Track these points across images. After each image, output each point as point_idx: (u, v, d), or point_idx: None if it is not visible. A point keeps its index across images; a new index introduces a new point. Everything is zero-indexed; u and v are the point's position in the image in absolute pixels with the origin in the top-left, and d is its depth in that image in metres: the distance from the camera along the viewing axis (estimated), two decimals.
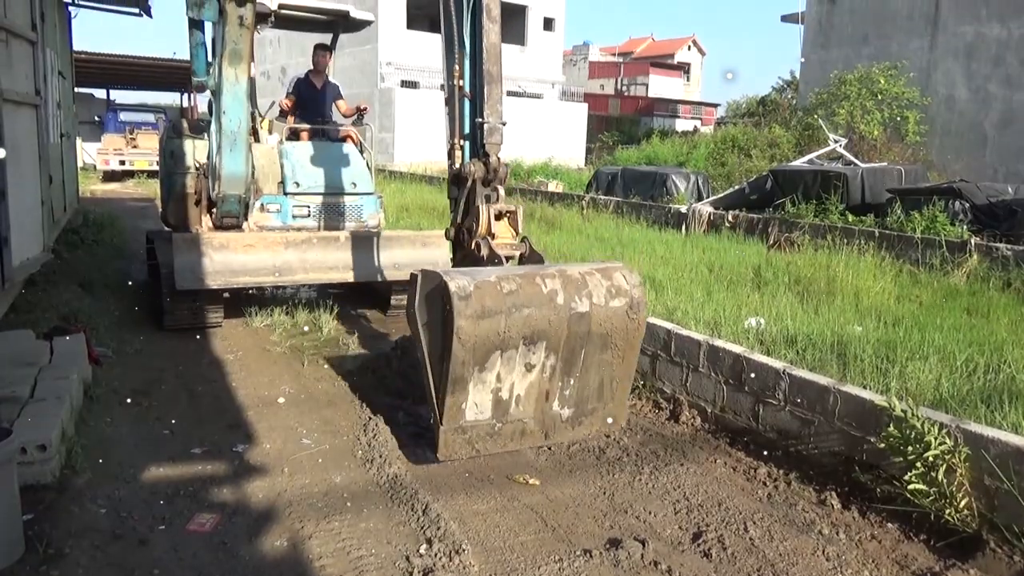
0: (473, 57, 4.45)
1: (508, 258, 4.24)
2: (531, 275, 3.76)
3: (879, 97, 17.12)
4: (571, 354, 3.86)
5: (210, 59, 5.90)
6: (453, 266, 4.72)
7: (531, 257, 4.35)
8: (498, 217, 4.31)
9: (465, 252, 4.55)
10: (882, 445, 3.57)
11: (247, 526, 3.33)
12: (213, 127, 6.01)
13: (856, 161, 13.18)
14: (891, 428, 3.50)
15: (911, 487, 3.35)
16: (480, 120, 4.38)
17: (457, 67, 4.59)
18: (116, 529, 3.25)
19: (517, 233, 4.34)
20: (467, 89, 4.64)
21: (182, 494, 3.60)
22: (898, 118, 17.00)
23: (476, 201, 4.39)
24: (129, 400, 4.79)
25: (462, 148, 4.67)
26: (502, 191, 4.43)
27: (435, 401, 3.70)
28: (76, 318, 6.09)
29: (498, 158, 4.35)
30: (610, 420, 4.19)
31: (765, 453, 4.23)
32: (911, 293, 6.96)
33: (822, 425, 4.02)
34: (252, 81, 6.00)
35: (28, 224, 6.33)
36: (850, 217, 10.73)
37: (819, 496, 3.75)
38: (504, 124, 4.45)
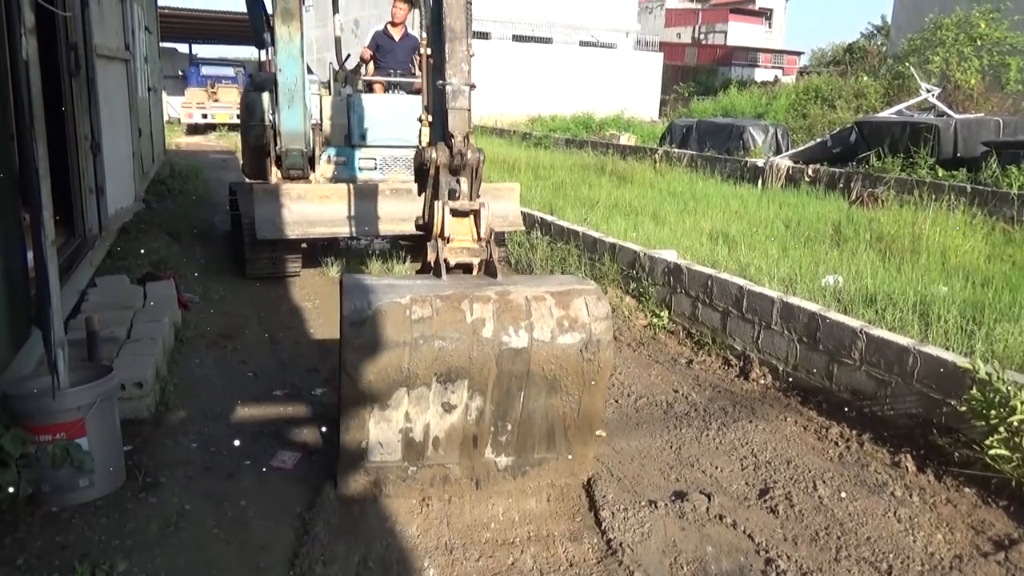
0: (437, 15, 3.73)
1: (463, 265, 3.50)
2: (457, 298, 3.07)
3: (978, 43, 16.01)
4: (505, 396, 3.15)
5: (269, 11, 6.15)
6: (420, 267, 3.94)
7: (487, 268, 3.51)
8: (457, 215, 3.51)
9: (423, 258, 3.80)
10: (963, 408, 3.46)
11: (326, 464, 3.51)
12: (274, 85, 6.28)
13: (949, 112, 12.45)
14: (974, 391, 3.38)
15: (992, 452, 3.25)
16: (441, 82, 3.58)
17: (425, 35, 3.89)
18: (206, 463, 3.47)
19: (480, 237, 3.50)
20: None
21: (266, 433, 3.81)
22: (999, 65, 15.88)
23: (437, 194, 3.59)
24: (216, 343, 5.06)
25: (430, 124, 3.92)
26: (464, 186, 3.58)
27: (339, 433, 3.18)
28: (166, 265, 6.42)
29: (465, 137, 3.53)
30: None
31: (838, 413, 4.16)
32: (1004, 252, 6.61)
33: (899, 386, 3.91)
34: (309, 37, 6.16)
35: (121, 175, 6.66)
36: (940, 172, 10.17)
37: (893, 458, 3.68)
38: (472, 86, 3.62)
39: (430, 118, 3.89)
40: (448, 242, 3.43)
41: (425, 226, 3.73)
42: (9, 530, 2.82)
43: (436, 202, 3.50)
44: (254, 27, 6.62)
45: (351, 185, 6.72)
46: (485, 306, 3.07)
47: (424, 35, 3.90)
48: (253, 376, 4.59)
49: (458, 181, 3.57)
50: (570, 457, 3.37)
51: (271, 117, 6.75)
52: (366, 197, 6.57)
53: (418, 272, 3.90)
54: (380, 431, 3.10)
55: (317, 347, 5.15)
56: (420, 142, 3.94)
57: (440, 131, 3.68)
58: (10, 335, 3.63)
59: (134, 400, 3.73)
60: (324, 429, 3.84)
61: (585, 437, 3.36)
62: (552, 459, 3.36)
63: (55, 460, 2.91)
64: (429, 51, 3.84)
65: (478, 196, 3.65)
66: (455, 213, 3.49)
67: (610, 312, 3.26)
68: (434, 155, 3.55)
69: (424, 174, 3.70)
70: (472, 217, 3.54)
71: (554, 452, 3.34)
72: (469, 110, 3.57)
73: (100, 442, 3.08)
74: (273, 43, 6.06)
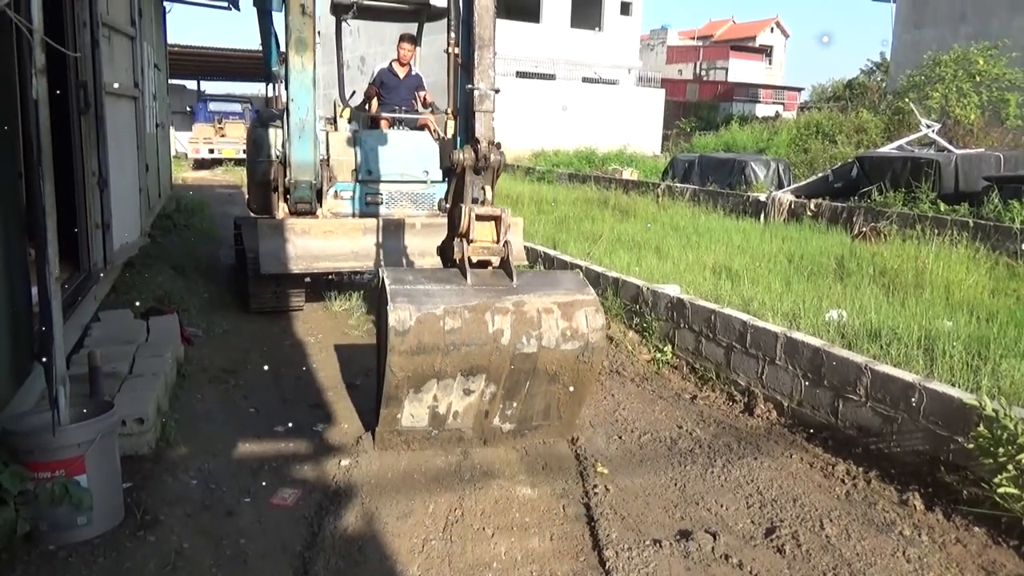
0: (468, 23, 4.11)
1: (483, 263, 3.96)
2: (481, 309, 3.72)
3: (977, 79, 16.17)
4: (514, 384, 3.89)
5: (281, 48, 6.20)
6: (440, 246, 4.43)
7: (503, 265, 3.98)
8: (481, 219, 3.95)
9: (446, 243, 4.27)
10: (970, 446, 3.42)
11: (326, 502, 3.47)
12: (285, 116, 6.28)
13: (950, 147, 12.53)
14: (981, 428, 3.35)
15: (1001, 490, 3.20)
16: (470, 87, 4.03)
17: (453, 35, 4.41)
18: (206, 500, 3.44)
19: (499, 239, 3.99)
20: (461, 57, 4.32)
21: (266, 469, 3.78)
22: (998, 101, 16.02)
23: (462, 195, 4.04)
24: (218, 378, 5.04)
25: (455, 119, 4.50)
26: (489, 193, 4.05)
27: (377, 400, 3.89)
28: (169, 299, 6.43)
29: (489, 141, 3.98)
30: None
31: (844, 450, 4.12)
32: (1007, 287, 6.60)
33: (906, 423, 3.88)
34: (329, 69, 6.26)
35: (127, 210, 6.71)
36: (942, 206, 10.20)
37: (900, 496, 3.63)
38: (497, 91, 4.07)
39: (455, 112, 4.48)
40: (471, 243, 3.91)
41: (448, 221, 4.27)
42: (6, 569, 2.79)
43: (462, 206, 3.93)
44: (266, 59, 6.66)
45: (356, 220, 6.76)
46: (504, 317, 3.75)
47: (452, 35, 4.39)
48: (255, 412, 4.57)
49: (483, 189, 4.03)
50: (559, 423, 4.16)
51: (278, 152, 6.80)
52: (371, 232, 6.60)
53: (440, 248, 4.40)
54: (412, 407, 3.83)
55: (319, 383, 5.13)
56: (445, 133, 4.54)
57: (465, 130, 4.19)
58: (12, 370, 3.62)
59: (134, 436, 3.70)
60: (326, 464, 3.82)
61: (574, 411, 4.18)
62: (546, 426, 4.16)
63: (53, 497, 2.88)
64: (457, 51, 4.32)
65: (495, 184, 4.13)
66: (479, 217, 3.93)
67: (605, 323, 3.97)
68: (463, 156, 3.97)
69: (451, 171, 4.17)
70: (493, 221, 3.99)
71: (548, 421, 4.14)
72: (492, 112, 4.04)
73: (99, 479, 3.06)
74: (286, 74, 6.08)
